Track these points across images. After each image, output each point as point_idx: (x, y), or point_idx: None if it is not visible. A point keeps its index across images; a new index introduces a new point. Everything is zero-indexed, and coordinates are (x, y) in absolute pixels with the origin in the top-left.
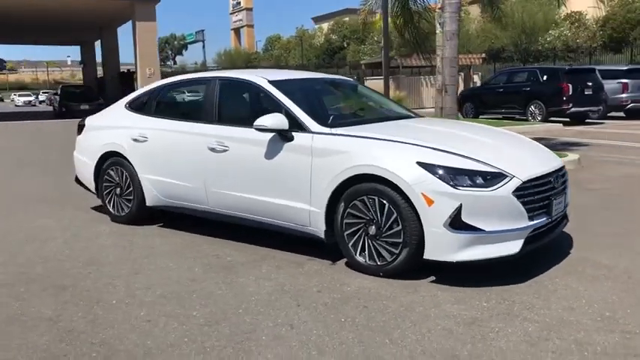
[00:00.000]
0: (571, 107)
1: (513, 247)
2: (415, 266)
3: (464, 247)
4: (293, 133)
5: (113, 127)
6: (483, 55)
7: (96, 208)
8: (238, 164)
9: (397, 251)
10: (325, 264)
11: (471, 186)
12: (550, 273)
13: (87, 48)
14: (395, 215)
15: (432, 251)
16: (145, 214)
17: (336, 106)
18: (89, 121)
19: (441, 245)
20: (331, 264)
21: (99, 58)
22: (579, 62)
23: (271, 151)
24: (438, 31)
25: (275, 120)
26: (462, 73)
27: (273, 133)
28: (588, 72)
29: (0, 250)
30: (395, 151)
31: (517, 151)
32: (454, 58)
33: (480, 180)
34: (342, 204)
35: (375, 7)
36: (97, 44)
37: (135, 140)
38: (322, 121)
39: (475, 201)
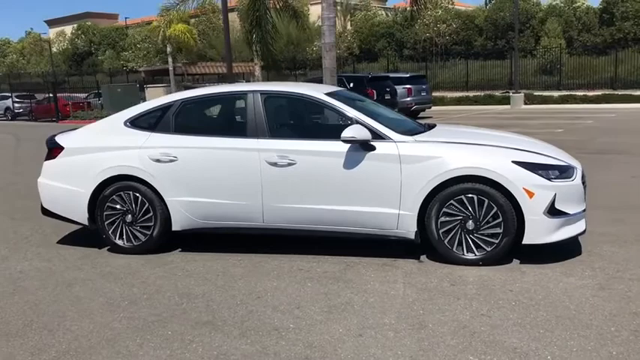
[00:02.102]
0: None
1: (582, 225)
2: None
3: (556, 229)
4: (374, 143)
5: (114, 148)
6: (262, 62)
7: (65, 242)
8: (310, 176)
9: (497, 241)
10: (413, 262)
11: (558, 178)
12: None
13: None
14: (495, 209)
15: (532, 236)
16: (164, 241)
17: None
18: (68, 142)
19: (540, 230)
20: (419, 262)
21: None
22: (342, 70)
23: (351, 161)
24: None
25: (360, 131)
26: (244, 81)
27: (349, 144)
28: (385, 79)
29: None
30: (487, 153)
31: (549, 147)
32: (334, 69)
33: (560, 173)
34: (437, 204)
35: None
36: None
37: (157, 161)
38: (395, 130)
39: (563, 190)
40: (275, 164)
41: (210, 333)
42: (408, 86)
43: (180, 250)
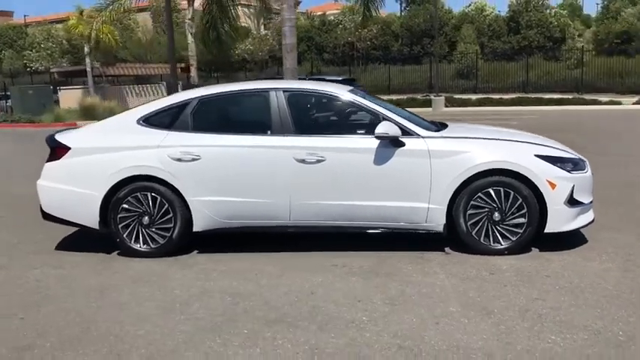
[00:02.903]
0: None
1: (591, 215)
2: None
3: (573, 218)
4: (403, 139)
5: (129, 147)
6: (183, 64)
7: (64, 248)
8: (340, 173)
9: (522, 230)
10: (440, 254)
11: (574, 170)
12: None
13: None
14: (520, 201)
15: (553, 225)
16: (183, 243)
17: None
18: (75, 142)
19: (560, 219)
20: (445, 253)
21: None
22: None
23: (382, 157)
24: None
25: (391, 128)
26: (165, 83)
27: (379, 141)
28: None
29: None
30: (512, 148)
31: (555, 142)
32: (295, 69)
33: (574, 165)
34: (465, 198)
35: None
36: None
37: (178, 160)
38: (420, 126)
39: (579, 181)
40: (303, 161)
41: (288, 329)
42: None
43: (197, 251)
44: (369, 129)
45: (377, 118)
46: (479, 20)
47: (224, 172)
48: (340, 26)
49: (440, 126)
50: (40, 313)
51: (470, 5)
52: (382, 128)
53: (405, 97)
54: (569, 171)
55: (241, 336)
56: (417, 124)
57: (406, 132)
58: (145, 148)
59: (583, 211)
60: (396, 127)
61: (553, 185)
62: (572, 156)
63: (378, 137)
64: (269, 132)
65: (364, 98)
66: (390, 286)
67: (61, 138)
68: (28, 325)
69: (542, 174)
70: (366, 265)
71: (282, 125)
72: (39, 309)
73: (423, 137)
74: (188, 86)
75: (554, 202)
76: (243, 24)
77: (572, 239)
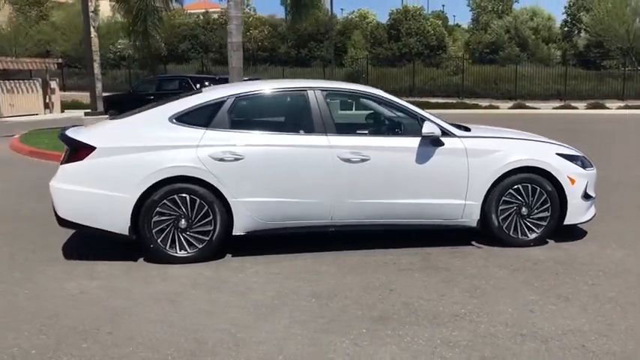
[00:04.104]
0: None
1: (594, 208)
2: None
3: (586, 211)
4: (442, 139)
5: (164, 147)
6: (59, 60)
7: (76, 257)
8: (383, 172)
9: (545, 223)
10: (473, 248)
11: (585, 166)
12: None
13: None
14: (545, 196)
15: (571, 218)
16: (221, 247)
17: None
18: (100, 142)
19: (577, 212)
20: (478, 247)
21: None
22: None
23: (423, 156)
24: None
25: (435, 128)
26: (40, 79)
27: (419, 140)
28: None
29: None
30: (538, 147)
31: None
32: (240, 68)
33: (583, 162)
34: (497, 194)
35: None
36: None
37: (220, 160)
38: (453, 127)
39: (591, 177)
40: (348, 160)
41: (402, 326)
42: None
43: (231, 255)
44: (407, 128)
45: (414, 118)
46: (362, 27)
47: (268, 172)
48: (224, 26)
49: (466, 128)
50: (127, 326)
51: (353, 12)
52: (428, 128)
53: None
54: (584, 168)
55: (365, 335)
56: (450, 125)
57: (444, 132)
58: (182, 148)
59: (592, 204)
60: (438, 127)
61: (572, 181)
62: (581, 154)
63: (425, 137)
64: (311, 131)
65: (399, 98)
66: (457, 280)
67: (81, 137)
68: (124, 339)
69: (563, 171)
70: (415, 261)
71: (323, 124)
72: (120, 322)
73: (459, 137)
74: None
75: (574, 196)
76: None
77: (572, 231)
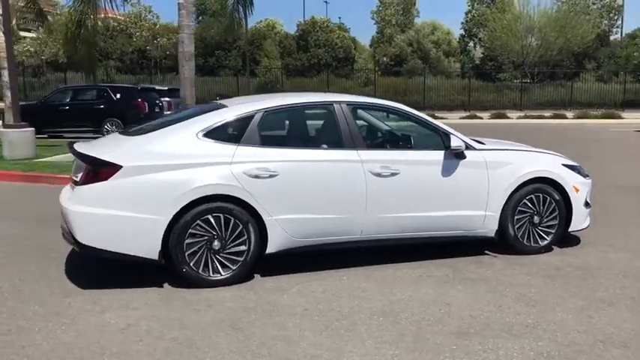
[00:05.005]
0: None
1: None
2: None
3: (585, 218)
4: (465, 152)
5: (197, 164)
6: None
7: (90, 286)
8: (412, 186)
9: (554, 231)
10: (491, 257)
11: (583, 176)
12: None
13: None
14: (553, 205)
15: (575, 225)
16: (254, 268)
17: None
18: (127, 160)
19: (579, 219)
20: (496, 256)
21: None
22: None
23: (449, 169)
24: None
25: (459, 142)
26: None
27: (443, 153)
28: (152, 91)
29: None
30: (546, 159)
31: None
32: (192, 79)
33: (580, 172)
34: (513, 204)
35: None
36: None
37: (256, 177)
38: (472, 140)
39: (589, 186)
40: (379, 175)
41: (485, 339)
42: (167, 99)
43: (260, 275)
44: (429, 142)
45: (436, 132)
46: (271, 36)
47: (301, 189)
48: (125, 33)
49: (478, 141)
50: (213, 358)
51: (260, 22)
52: (455, 142)
53: None
54: (584, 177)
55: (458, 350)
56: (469, 138)
57: (466, 146)
58: (216, 165)
59: (589, 213)
60: (462, 141)
61: (577, 190)
62: (579, 164)
63: (452, 150)
64: (341, 146)
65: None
66: (500, 290)
67: (103, 154)
68: None
69: (570, 180)
70: (447, 273)
71: (353, 139)
72: (198, 354)
73: (478, 150)
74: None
75: (578, 204)
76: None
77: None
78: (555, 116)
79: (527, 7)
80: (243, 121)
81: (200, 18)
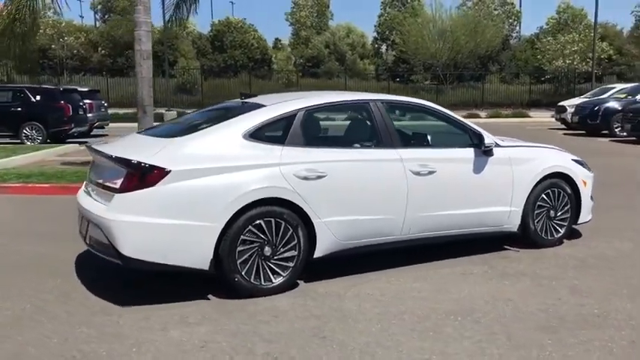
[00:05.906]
0: (73, 127)
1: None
2: None
3: (590, 211)
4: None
5: (245, 167)
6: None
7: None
8: (448, 183)
9: (567, 224)
10: (513, 252)
11: (588, 169)
12: None
13: None
14: (566, 198)
15: (583, 217)
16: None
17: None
18: (175, 164)
19: (587, 212)
20: (517, 251)
21: None
22: None
23: (480, 166)
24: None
25: (491, 140)
26: None
27: (473, 150)
28: (74, 92)
29: None
30: (560, 154)
31: None
32: (150, 79)
33: (586, 166)
34: (533, 199)
35: None
36: None
37: (305, 179)
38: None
39: (593, 180)
40: (418, 173)
41: (574, 332)
42: (88, 101)
43: (304, 281)
44: (459, 140)
45: (464, 130)
46: (182, 36)
47: (348, 189)
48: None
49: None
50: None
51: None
52: (489, 140)
53: (131, 110)
54: (589, 171)
55: (555, 345)
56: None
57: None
58: (265, 167)
59: (593, 206)
60: (492, 139)
61: (585, 183)
62: (583, 160)
63: (486, 148)
64: (381, 145)
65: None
66: (546, 284)
67: (147, 158)
68: None
69: (580, 174)
70: (485, 270)
71: (391, 138)
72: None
73: (501, 146)
74: None
75: (585, 197)
76: None
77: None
78: (470, 116)
79: (439, 11)
80: (286, 121)
81: (107, 16)
